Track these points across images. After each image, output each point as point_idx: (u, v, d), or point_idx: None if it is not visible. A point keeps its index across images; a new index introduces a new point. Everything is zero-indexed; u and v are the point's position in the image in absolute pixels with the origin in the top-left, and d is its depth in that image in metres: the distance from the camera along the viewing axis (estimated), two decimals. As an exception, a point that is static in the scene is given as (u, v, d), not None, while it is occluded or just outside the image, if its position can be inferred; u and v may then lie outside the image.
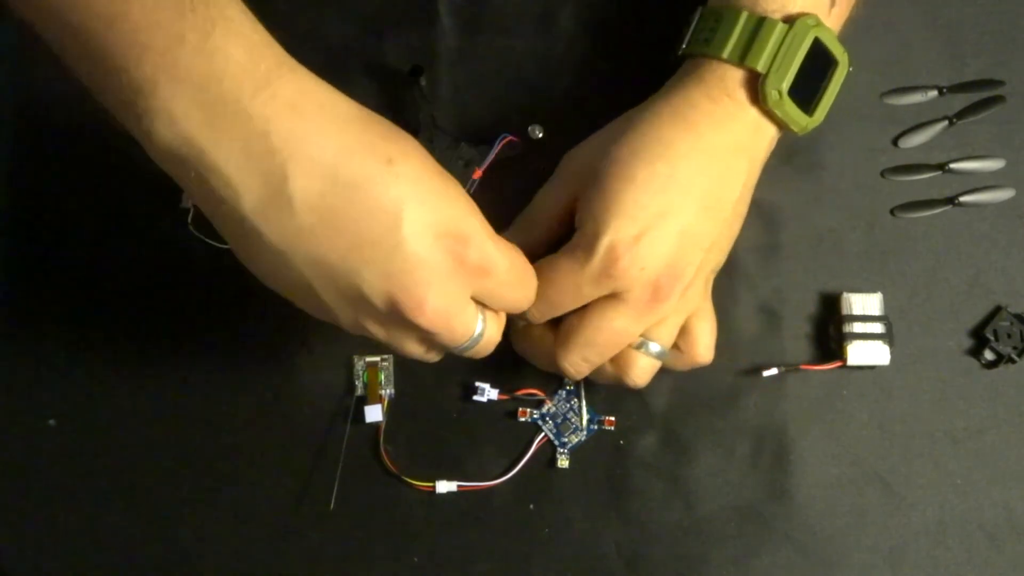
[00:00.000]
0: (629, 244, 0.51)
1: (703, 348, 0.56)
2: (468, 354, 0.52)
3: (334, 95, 0.47)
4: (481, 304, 0.51)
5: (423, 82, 0.60)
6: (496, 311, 0.52)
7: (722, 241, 0.55)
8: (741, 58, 0.52)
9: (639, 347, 0.55)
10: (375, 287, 0.46)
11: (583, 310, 0.54)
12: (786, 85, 0.52)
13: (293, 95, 0.45)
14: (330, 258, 0.46)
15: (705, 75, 0.53)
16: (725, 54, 0.53)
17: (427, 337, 0.49)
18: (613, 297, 0.52)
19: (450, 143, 0.59)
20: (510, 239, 0.52)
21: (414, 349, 0.51)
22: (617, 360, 0.55)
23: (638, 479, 0.60)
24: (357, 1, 0.63)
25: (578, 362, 0.54)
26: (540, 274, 0.53)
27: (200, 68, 0.43)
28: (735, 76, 0.53)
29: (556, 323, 0.55)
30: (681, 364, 0.57)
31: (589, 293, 0.52)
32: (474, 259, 0.47)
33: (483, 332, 0.51)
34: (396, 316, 0.47)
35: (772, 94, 0.52)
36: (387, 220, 0.45)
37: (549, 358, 0.55)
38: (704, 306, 0.56)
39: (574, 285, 0.52)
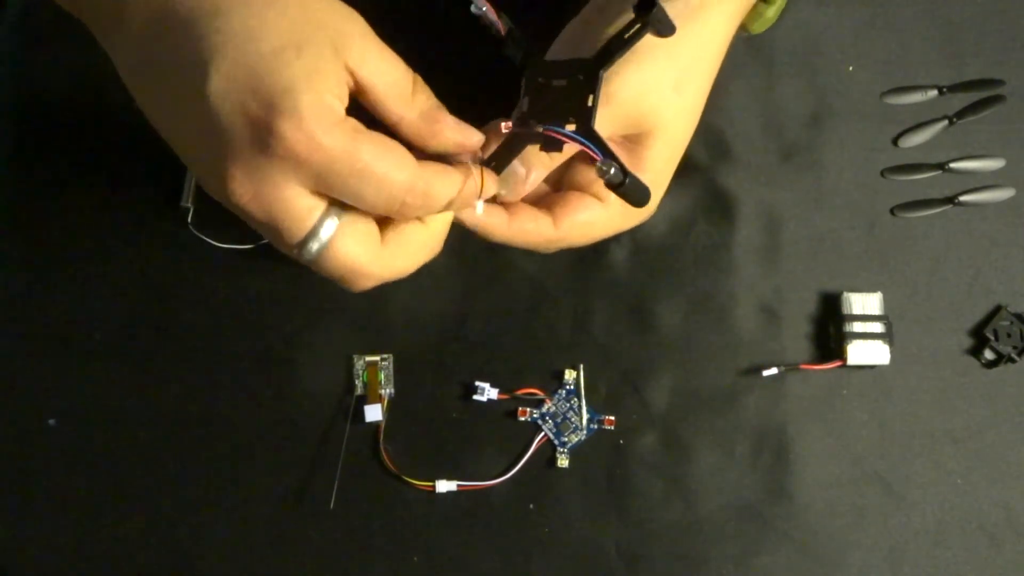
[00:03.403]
0: None
1: None
2: (324, 270, 0.45)
3: None
4: (340, 205, 0.45)
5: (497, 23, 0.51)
6: (360, 216, 0.45)
7: None
8: None
9: None
10: (188, 152, 0.43)
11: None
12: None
13: None
14: (156, 97, 0.43)
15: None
16: None
17: (262, 225, 0.44)
18: None
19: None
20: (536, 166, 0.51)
21: (276, 243, 0.45)
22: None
23: (638, 479, 0.60)
24: (357, 1, 0.63)
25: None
26: (569, 213, 0.52)
27: None
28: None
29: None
30: None
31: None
32: (286, 141, 0.41)
33: (332, 238, 0.44)
34: (216, 186, 0.43)
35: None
36: (198, 71, 0.41)
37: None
38: None
39: (608, 230, 0.54)
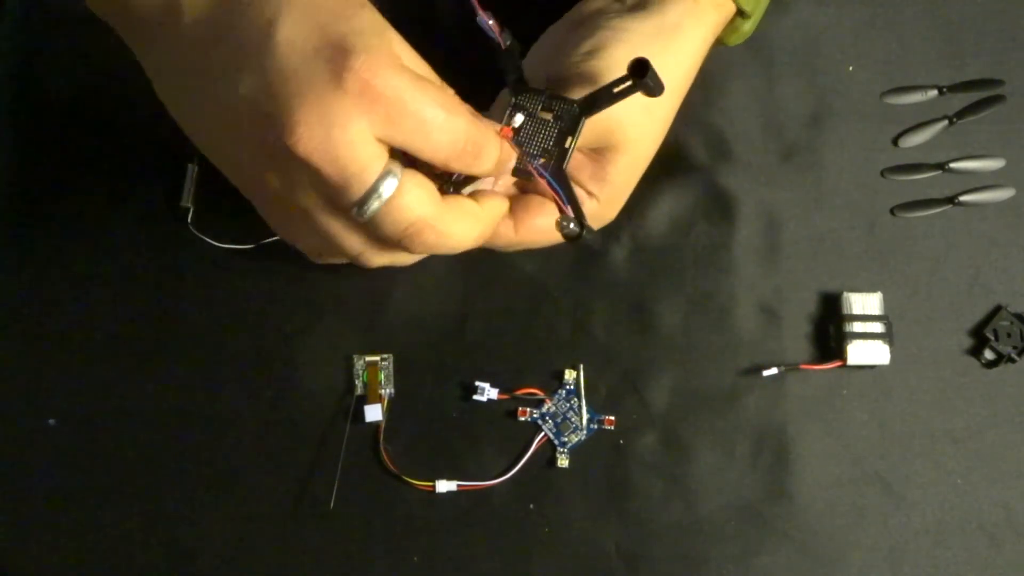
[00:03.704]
0: None
1: None
2: (388, 223, 0.45)
3: None
4: (399, 162, 0.45)
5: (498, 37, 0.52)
6: (418, 173, 0.46)
7: None
8: None
9: None
10: (249, 100, 0.43)
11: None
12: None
13: None
14: (213, 70, 0.44)
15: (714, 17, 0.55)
16: None
17: (321, 183, 0.44)
18: None
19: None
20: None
21: (316, 209, 0.45)
22: None
23: (638, 479, 0.60)
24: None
25: None
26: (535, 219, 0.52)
27: None
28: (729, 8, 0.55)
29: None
30: None
31: None
32: (361, 76, 0.42)
33: (397, 190, 0.44)
34: (275, 143, 0.43)
35: (746, 27, 0.56)
36: (263, 27, 0.43)
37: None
38: None
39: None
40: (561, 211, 0.50)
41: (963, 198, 0.62)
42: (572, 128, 0.50)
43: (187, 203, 0.61)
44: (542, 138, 0.50)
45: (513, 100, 0.51)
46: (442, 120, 0.44)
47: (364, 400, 0.60)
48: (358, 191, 0.44)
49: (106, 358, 0.61)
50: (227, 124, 0.44)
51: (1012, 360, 0.61)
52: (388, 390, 0.61)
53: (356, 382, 0.61)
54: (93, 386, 0.61)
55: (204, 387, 0.61)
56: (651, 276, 0.62)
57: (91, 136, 0.62)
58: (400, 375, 0.61)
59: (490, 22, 0.50)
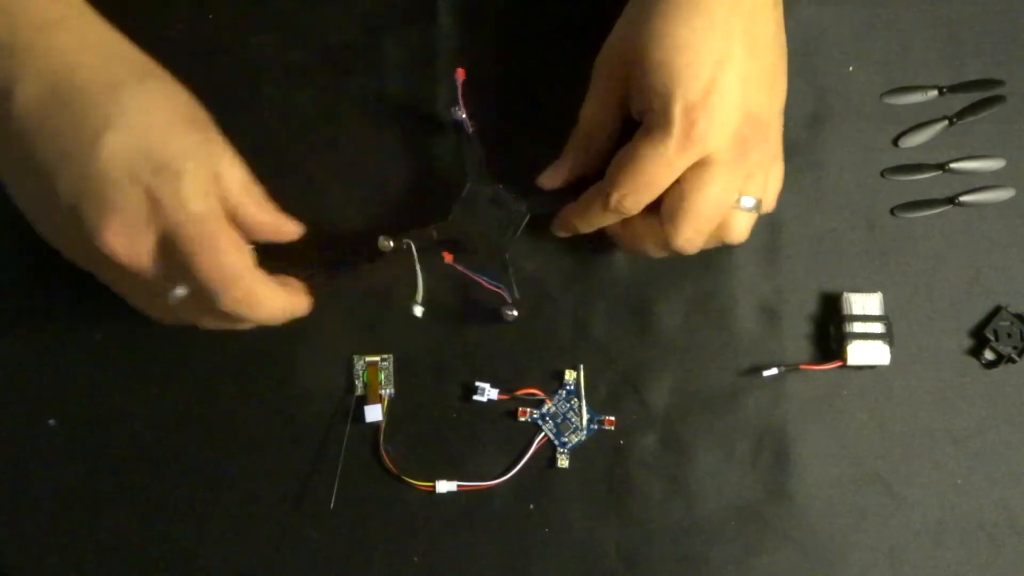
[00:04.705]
0: (701, 103, 0.51)
1: (773, 195, 0.56)
2: (178, 308, 0.51)
3: (114, 36, 0.50)
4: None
5: (469, 128, 0.58)
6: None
7: (779, 76, 0.54)
8: None
9: (735, 204, 0.54)
10: (65, 196, 0.47)
11: (679, 186, 0.52)
12: None
13: (53, 20, 0.48)
14: (36, 160, 0.47)
15: None
16: None
17: (129, 274, 0.50)
18: (704, 163, 0.52)
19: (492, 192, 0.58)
20: (567, 164, 0.55)
21: (134, 295, 0.52)
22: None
23: (638, 479, 0.60)
24: (357, 1, 0.63)
25: (692, 236, 0.53)
26: (624, 165, 0.52)
27: None
28: None
29: (653, 208, 0.54)
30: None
31: (679, 165, 0.52)
32: (165, 200, 0.47)
33: (185, 294, 0.50)
34: (87, 239, 0.48)
35: None
36: (89, 135, 0.47)
37: (660, 243, 0.55)
38: (778, 151, 0.56)
39: (663, 163, 0.51)
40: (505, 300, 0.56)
41: (963, 198, 0.62)
42: (517, 225, 0.55)
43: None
44: (490, 225, 0.56)
45: (468, 184, 0.56)
46: (217, 251, 0.49)
47: (364, 400, 0.60)
48: (158, 289, 0.50)
49: (106, 358, 0.61)
50: (48, 212, 0.50)
51: (1012, 360, 0.61)
52: (388, 390, 0.61)
53: (356, 382, 0.61)
54: (93, 386, 0.61)
55: (204, 387, 0.61)
56: (651, 276, 0.62)
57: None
58: (400, 375, 0.61)
59: (463, 115, 0.55)
